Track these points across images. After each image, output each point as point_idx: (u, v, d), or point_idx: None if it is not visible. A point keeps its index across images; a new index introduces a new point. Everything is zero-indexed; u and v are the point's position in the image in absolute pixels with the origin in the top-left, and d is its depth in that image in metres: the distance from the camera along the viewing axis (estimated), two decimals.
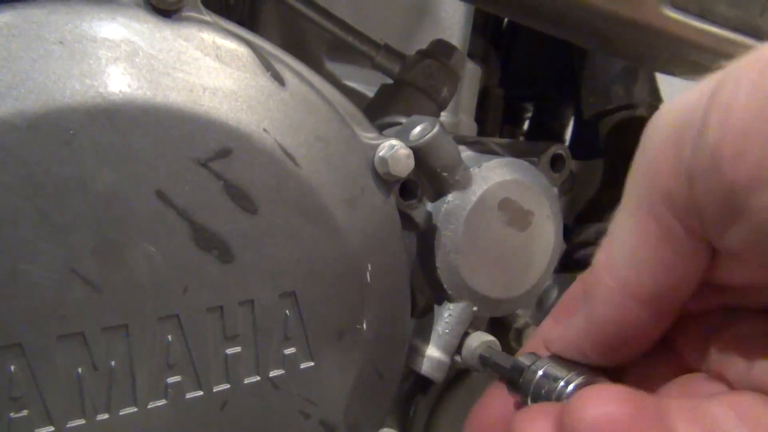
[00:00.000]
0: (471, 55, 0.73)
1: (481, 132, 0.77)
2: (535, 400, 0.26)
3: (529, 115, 0.83)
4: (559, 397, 0.24)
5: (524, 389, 0.26)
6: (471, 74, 0.65)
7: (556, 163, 0.48)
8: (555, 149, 0.48)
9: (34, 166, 0.28)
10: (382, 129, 0.46)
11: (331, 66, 0.57)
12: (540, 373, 0.26)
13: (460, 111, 0.63)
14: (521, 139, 0.84)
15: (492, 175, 0.43)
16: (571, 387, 0.24)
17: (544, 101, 0.79)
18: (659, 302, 0.23)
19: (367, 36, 0.49)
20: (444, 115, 0.61)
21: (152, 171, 0.30)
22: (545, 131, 0.78)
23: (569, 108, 0.77)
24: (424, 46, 0.53)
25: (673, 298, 0.23)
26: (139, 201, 0.30)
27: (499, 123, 0.77)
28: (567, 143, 0.78)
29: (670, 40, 0.40)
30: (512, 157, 0.45)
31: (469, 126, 0.64)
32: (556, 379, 0.25)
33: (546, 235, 0.46)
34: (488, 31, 0.79)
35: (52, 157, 0.28)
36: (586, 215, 0.57)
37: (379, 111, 0.48)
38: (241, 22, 0.54)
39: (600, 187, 0.57)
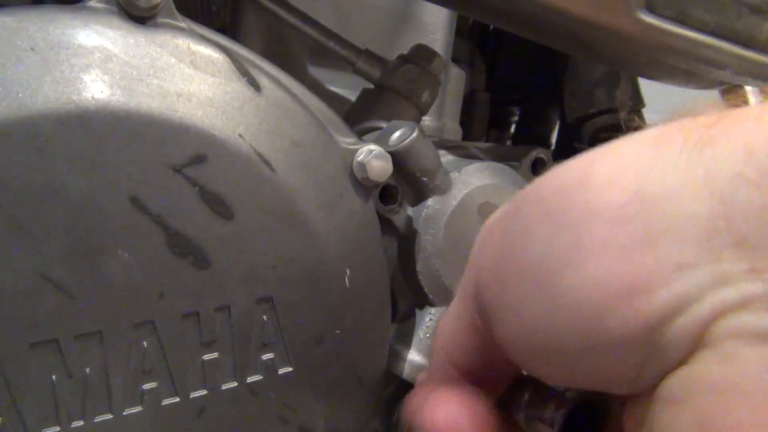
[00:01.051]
0: (457, 60, 0.74)
1: (467, 136, 0.77)
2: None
3: (516, 119, 0.83)
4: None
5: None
6: (456, 79, 0.65)
7: (537, 166, 0.48)
8: (536, 153, 0.48)
9: (6, 172, 0.28)
10: (363, 134, 0.46)
11: (315, 71, 0.57)
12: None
13: (445, 115, 0.63)
14: (508, 142, 0.84)
15: (472, 179, 0.43)
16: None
17: (530, 105, 0.79)
18: (473, 371, 0.29)
19: (348, 41, 0.49)
20: (428, 120, 0.61)
21: (126, 177, 0.30)
22: (531, 135, 0.79)
23: (555, 112, 0.77)
24: (407, 50, 0.53)
25: (484, 367, 0.29)
26: (113, 207, 0.30)
27: (485, 127, 0.78)
28: (553, 146, 0.78)
29: (646, 45, 0.40)
30: (493, 162, 0.45)
31: (453, 130, 0.64)
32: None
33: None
34: (474, 36, 0.80)
35: (24, 164, 0.28)
36: None
37: (360, 116, 0.48)
38: (222, 29, 0.54)
39: None
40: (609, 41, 0.40)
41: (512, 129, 0.84)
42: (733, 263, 0.19)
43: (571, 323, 0.22)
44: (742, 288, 0.19)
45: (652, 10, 0.40)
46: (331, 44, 0.48)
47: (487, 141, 0.82)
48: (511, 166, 0.47)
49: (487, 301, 0.26)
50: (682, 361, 0.20)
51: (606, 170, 0.22)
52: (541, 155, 0.48)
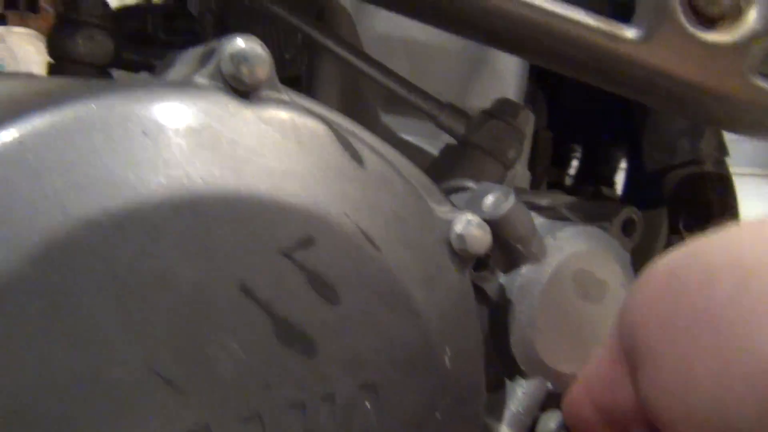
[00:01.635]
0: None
1: (532, 177, 0.76)
2: None
3: (576, 155, 0.81)
4: None
5: None
6: (526, 122, 0.63)
7: (627, 227, 0.46)
8: (626, 213, 0.46)
9: (118, 263, 0.27)
10: (448, 193, 0.44)
11: (386, 118, 0.55)
12: None
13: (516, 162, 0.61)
14: (567, 179, 0.82)
15: (566, 245, 0.42)
16: None
17: (594, 144, 0.77)
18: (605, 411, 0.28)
19: (429, 94, 0.47)
20: None
21: (236, 263, 0.29)
22: (595, 175, 0.76)
23: (620, 151, 0.75)
24: (481, 96, 0.51)
25: (616, 410, 0.27)
26: (221, 295, 0.29)
27: (549, 167, 0.76)
28: (622, 189, 0.76)
29: (757, 108, 0.38)
30: (585, 225, 0.43)
31: (523, 175, 0.62)
32: None
33: (620, 305, 0.44)
34: (534, 72, 0.78)
35: (136, 253, 0.27)
36: None
37: (444, 173, 0.46)
38: (298, 77, 0.53)
39: (666, 241, 0.55)
40: (718, 105, 0.39)
41: (572, 165, 0.82)
42: None
43: (745, 388, 0.20)
44: None
45: (764, 74, 0.38)
46: (412, 98, 0.47)
47: (548, 180, 0.80)
48: (600, 227, 0.45)
49: (643, 350, 0.24)
50: None
51: None
52: (632, 215, 0.46)
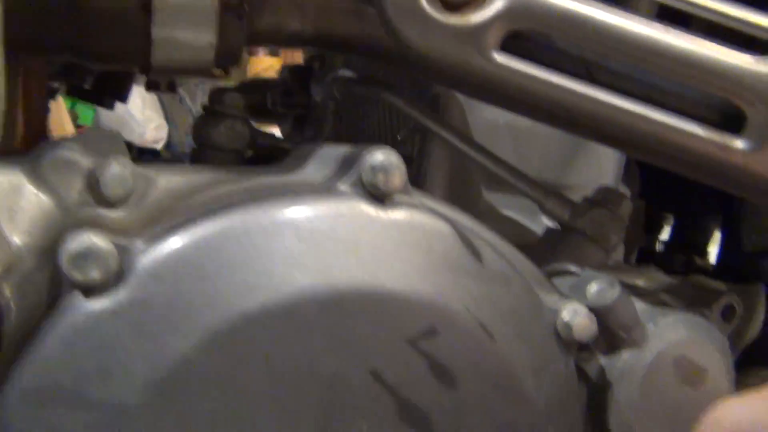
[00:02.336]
0: None
1: (624, 243, 0.77)
2: None
3: (669, 222, 0.82)
4: None
5: None
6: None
7: (727, 313, 0.48)
8: (727, 299, 0.48)
9: (273, 355, 0.31)
10: (551, 275, 0.47)
11: (491, 196, 0.59)
12: None
13: None
14: (658, 245, 0.83)
15: (667, 332, 0.43)
16: None
17: (687, 213, 0.78)
18: None
19: (534, 180, 0.50)
20: None
21: (370, 352, 0.33)
22: (687, 244, 0.77)
23: (714, 221, 0.76)
24: (580, 176, 0.54)
25: None
26: (356, 381, 0.33)
27: (643, 236, 0.77)
28: (715, 260, 0.76)
29: None
30: (686, 312, 0.45)
31: (618, 251, 0.64)
32: None
33: (720, 392, 0.45)
34: None
35: (288, 345, 0.31)
36: (751, 356, 0.56)
37: (547, 256, 0.49)
38: (411, 157, 0.57)
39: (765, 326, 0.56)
40: None
41: (663, 232, 0.82)
42: None
43: None
44: None
45: None
46: (519, 184, 0.50)
47: (638, 244, 0.81)
48: (702, 313, 0.47)
49: None
50: None
51: None
52: (732, 302, 0.47)
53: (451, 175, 0.56)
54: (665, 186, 0.79)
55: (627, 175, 0.78)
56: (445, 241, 0.36)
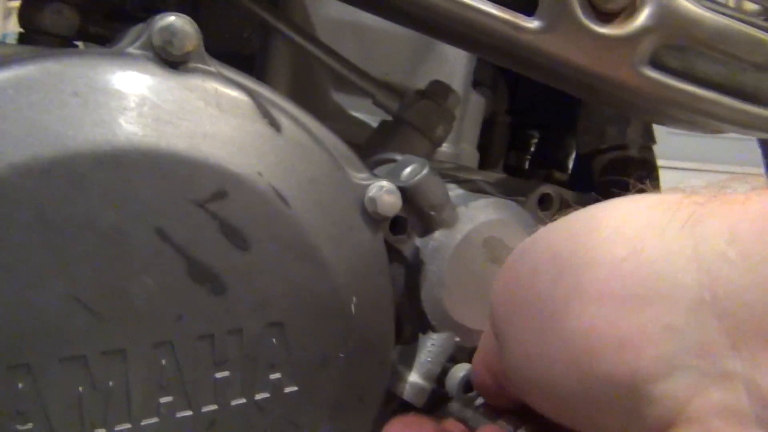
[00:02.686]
0: (480, 83, 0.76)
1: (487, 158, 0.80)
2: None
3: (536, 141, 0.85)
4: None
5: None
6: (475, 105, 0.67)
7: (544, 201, 0.51)
8: (543, 189, 0.50)
9: (46, 205, 0.31)
10: (378, 164, 0.48)
11: (338, 97, 0.59)
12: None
13: (463, 141, 0.65)
14: (527, 164, 0.86)
15: (478, 214, 0.46)
16: None
17: (549, 130, 0.81)
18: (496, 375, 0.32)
19: (368, 74, 0.51)
20: (446, 146, 0.63)
21: (153, 211, 0.33)
22: (549, 160, 0.80)
23: (573, 138, 0.79)
24: (429, 78, 0.55)
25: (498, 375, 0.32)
26: (140, 238, 0.33)
27: (505, 150, 0.80)
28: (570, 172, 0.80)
29: (649, 97, 0.42)
30: (499, 197, 0.47)
31: (470, 155, 0.66)
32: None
33: None
34: None
35: (62, 197, 0.31)
36: None
37: (376, 146, 0.50)
38: (253, 55, 0.57)
39: None
40: (612, 92, 0.43)
41: (532, 151, 0.85)
42: (716, 335, 0.21)
43: (566, 364, 0.24)
44: (724, 365, 0.21)
45: (656, 65, 0.42)
46: (352, 77, 0.51)
47: (507, 163, 0.84)
48: (518, 200, 0.49)
49: (499, 329, 0.29)
50: (664, 429, 0.22)
51: (609, 226, 0.25)
52: (548, 191, 0.50)
53: (294, 74, 0.56)
54: (531, 104, 0.82)
55: (495, 94, 0.80)
56: (239, 107, 0.36)
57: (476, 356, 0.35)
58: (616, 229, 0.24)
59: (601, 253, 0.24)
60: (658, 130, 0.64)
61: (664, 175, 0.60)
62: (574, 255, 0.25)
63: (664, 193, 0.26)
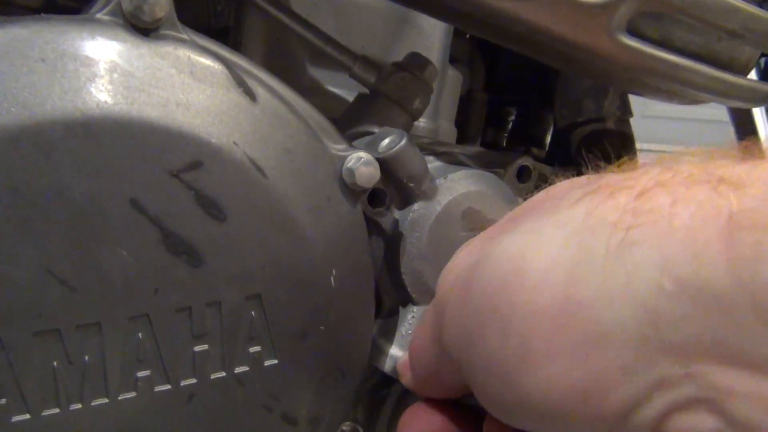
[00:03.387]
0: (456, 60, 0.75)
1: (464, 135, 0.79)
2: None
3: (513, 118, 0.85)
4: None
5: None
6: (452, 81, 0.67)
7: (522, 174, 0.50)
8: (521, 161, 0.50)
9: (16, 175, 0.30)
10: (355, 137, 0.48)
11: (314, 71, 0.59)
12: None
13: (440, 117, 0.65)
14: (504, 142, 0.86)
15: (457, 186, 0.46)
16: None
17: (527, 106, 0.81)
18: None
19: (345, 47, 0.51)
20: (423, 121, 0.63)
21: (127, 181, 0.33)
22: (527, 136, 0.80)
23: (551, 114, 0.79)
24: (405, 52, 0.55)
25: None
26: (113, 208, 0.33)
27: (482, 127, 0.79)
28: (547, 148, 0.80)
29: (627, 65, 0.42)
30: (478, 169, 0.47)
31: (448, 131, 0.66)
32: None
33: None
34: (475, 36, 0.81)
35: (32, 167, 0.31)
36: None
37: (354, 120, 0.50)
38: (227, 29, 0.56)
39: None
40: (590, 60, 0.42)
41: (509, 128, 0.85)
42: (668, 368, 0.21)
43: (532, 417, 0.25)
44: (682, 392, 0.21)
45: (633, 33, 0.42)
46: (328, 49, 0.50)
47: (484, 140, 0.84)
48: (497, 173, 0.49)
49: (459, 361, 0.29)
50: None
51: (540, 269, 0.24)
52: (526, 163, 0.50)
53: (269, 47, 0.55)
54: (509, 80, 0.82)
55: (472, 68, 0.80)
56: (213, 76, 0.36)
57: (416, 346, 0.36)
58: (544, 273, 0.24)
59: (537, 306, 0.24)
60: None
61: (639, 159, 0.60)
62: (512, 309, 0.25)
63: (588, 205, 0.24)
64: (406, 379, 0.38)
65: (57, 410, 0.33)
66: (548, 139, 0.81)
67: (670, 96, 0.48)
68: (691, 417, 0.21)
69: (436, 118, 0.64)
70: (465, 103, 0.77)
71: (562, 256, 0.24)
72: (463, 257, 0.32)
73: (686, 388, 0.21)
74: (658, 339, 0.21)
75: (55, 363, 0.32)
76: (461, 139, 0.75)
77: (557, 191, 0.30)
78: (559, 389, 0.23)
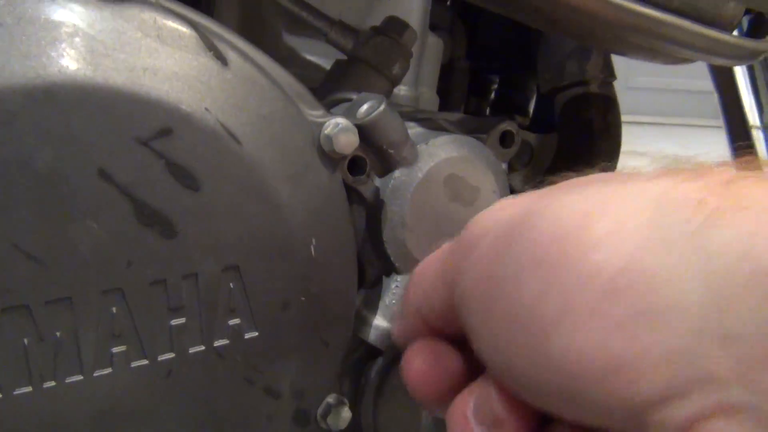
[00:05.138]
0: (437, 27, 0.74)
1: (446, 104, 0.78)
2: None
3: (496, 86, 0.84)
4: None
5: None
6: (433, 48, 0.65)
7: (505, 139, 0.49)
8: (504, 126, 0.49)
9: None
10: (334, 104, 0.47)
11: (290, 39, 0.57)
12: None
13: (421, 84, 0.64)
14: (487, 111, 0.85)
15: (438, 151, 0.45)
16: None
17: (509, 74, 0.79)
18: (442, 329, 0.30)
19: (321, 12, 0.49)
20: (404, 89, 0.62)
21: (93, 150, 0.31)
22: (510, 104, 0.79)
23: (533, 81, 0.78)
24: (383, 18, 0.53)
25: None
26: (80, 179, 0.31)
27: (465, 95, 0.78)
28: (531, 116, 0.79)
29: (610, 22, 0.41)
30: (460, 134, 0.46)
31: (430, 99, 0.65)
32: None
33: None
34: (456, 3, 0.80)
35: None
36: (539, 188, 0.58)
37: (332, 86, 0.48)
38: None
39: (553, 161, 0.59)
40: (574, 18, 0.41)
41: (492, 97, 0.84)
42: (721, 363, 0.19)
43: (557, 384, 0.22)
44: (729, 394, 0.19)
45: None
46: (304, 14, 0.49)
47: (466, 109, 0.82)
48: (479, 138, 0.48)
49: (471, 324, 0.26)
50: None
51: (604, 229, 0.22)
52: (509, 128, 0.49)
53: (244, 15, 0.54)
54: (491, 48, 0.81)
55: (453, 36, 0.78)
56: (181, 39, 0.34)
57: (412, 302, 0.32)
58: (611, 236, 0.21)
59: (593, 268, 0.21)
60: (616, 87, 0.63)
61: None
62: (564, 265, 0.22)
63: (669, 181, 0.22)
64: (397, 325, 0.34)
65: (29, 388, 0.32)
66: (531, 107, 0.80)
67: (654, 54, 0.47)
68: (731, 426, 0.19)
69: (417, 85, 0.63)
70: (447, 72, 0.75)
71: (633, 223, 0.22)
72: (505, 206, 0.28)
73: (734, 392, 0.19)
74: (721, 328, 0.19)
75: (25, 340, 0.31)
76: (444, 108, 0.73)
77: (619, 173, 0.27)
78: (591, 358, 0.21)
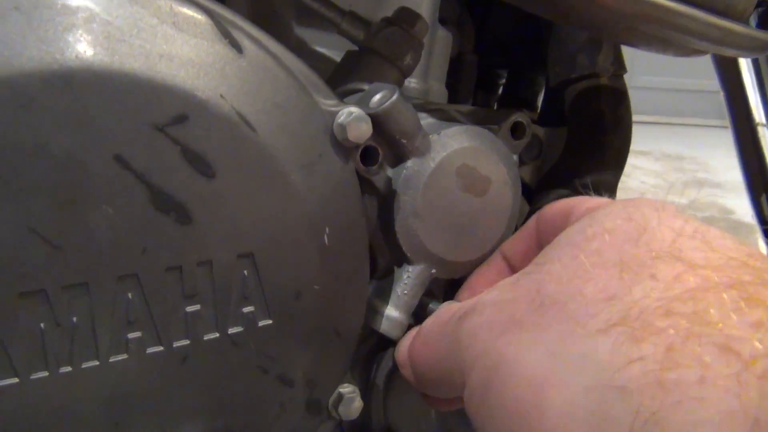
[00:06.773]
0: (445, 21, 0.74)
1: (454, 98, 0.78)
2: None
3: (503, 81, 0.83)
4: None
5: None
6: (442, 41, 0.65)
7: (516, 130, 0.49)
8: (516, 117, 0.49)
9: None
10: (346, 95, 0.47)
11: (300, 31, 0.57)
12: None
13: (431, 77, 0.64)
14: (495, 106, 0.85)
15: (451, 142, 0.45)
16: None
17: (517, 68, 0.79)
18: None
19: (332, 3, 0.49)
20: (414, 81, 0.62)
21: (110, 136, 0.31)
22: (517, 98, 0.79)
23: (542, 75, 0.78)
24: (394, 9, 0.53)
25: None
26: (96, 165, 0.31)
27: (473, 89, 0.78)
28: (539, 110, 0.79)
29: (622, 13, 0.41)
30: (472, 125, 0.46)
31: (439, 92, 0.65)
32: None
33: (503, 201, 0.47)
34: None
35: (9, 122, 0.29)
36: (548, 181, 0.59)
37: (343, 77, 0.48)
38: None
39: (562, 154, 0.59)
40: (586, 9, 0.41)
41: (500, 91, 0.84)
42: None
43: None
44: None
45: None
46: (315, 5, 0.49)
47: (474, 103, 0.82)
48: (490, 129, 0.48)
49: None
50: None
51: (557, 411, 0.24)
52: (520, 119, 0.49)
53: (255, 6, 0.54)
54: (499, 43, 0.81)
55: (461, 30, 0.78)
56: (196, 26, 0.34)
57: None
58: (564, 417, 0.24)
59: None
60: None
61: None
62: None
63: (615, 340, 0.24)
64: (407, 373, 0.39)
65: (45, 373, 0.32)
66: (539, 101, 0.80)
67: (666, 45, 0.47)
68: None
69: (427, 78, 0.63)
70: (455, 66, 0.75)
71: (582, 408, 0.24)
72: (487, 321, 0.32)
73: None
74: None
75: (42, 325, 0.31)
76: (452, 101, 0.73)
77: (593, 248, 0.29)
78: None
